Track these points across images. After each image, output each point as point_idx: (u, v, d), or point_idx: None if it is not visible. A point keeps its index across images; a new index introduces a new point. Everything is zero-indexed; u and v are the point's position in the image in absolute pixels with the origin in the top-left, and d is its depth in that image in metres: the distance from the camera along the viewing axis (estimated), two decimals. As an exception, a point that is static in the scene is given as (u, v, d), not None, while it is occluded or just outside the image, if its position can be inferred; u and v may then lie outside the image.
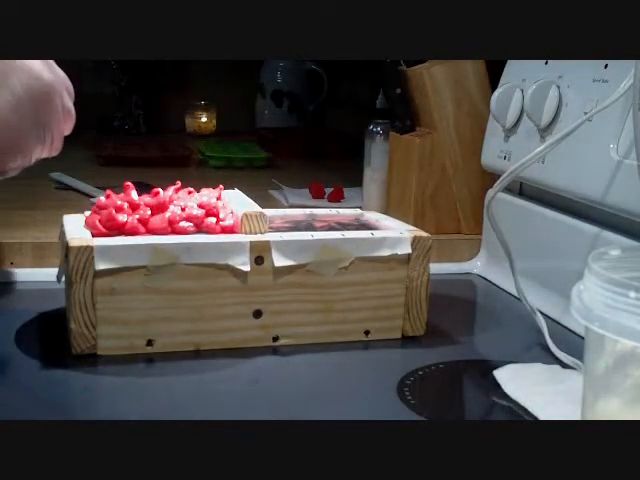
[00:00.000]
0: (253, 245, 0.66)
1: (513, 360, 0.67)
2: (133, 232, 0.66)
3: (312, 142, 1.62)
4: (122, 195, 0.69)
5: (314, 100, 1.87)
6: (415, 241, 0.70)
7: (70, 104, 0.60)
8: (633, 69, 0.66)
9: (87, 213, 0.69)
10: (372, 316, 0.71)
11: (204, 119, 1.85)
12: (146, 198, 0.69)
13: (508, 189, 0.80)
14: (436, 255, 0.88)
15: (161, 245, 0.64)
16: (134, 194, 0.69)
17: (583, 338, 0.48)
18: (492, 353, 0.71)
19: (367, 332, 0.71)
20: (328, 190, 1.17)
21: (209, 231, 0.67)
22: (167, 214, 0.67)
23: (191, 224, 0.67)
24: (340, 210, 0.81)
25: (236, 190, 0.75)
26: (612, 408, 0.44)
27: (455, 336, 0.74)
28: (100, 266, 0.63)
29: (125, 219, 0.66)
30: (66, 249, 0.63)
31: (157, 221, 0.67)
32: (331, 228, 0.74)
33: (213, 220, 0.68)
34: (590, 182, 0.73)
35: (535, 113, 0.80)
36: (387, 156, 1.03)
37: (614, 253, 0.47)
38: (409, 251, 0.70)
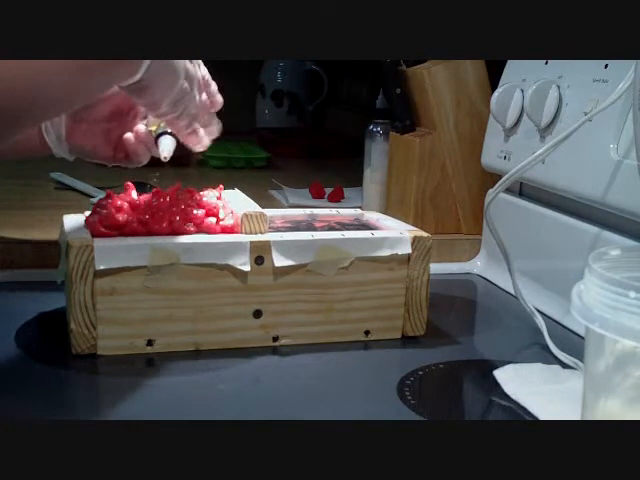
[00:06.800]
0: (253, 245, 0.66)
1: (513, 360, 0.67)
2: (133, 232, 0.66)
3: (312, 142, 1.62)
4: (122, 195, 0.69)
5: (314, 100, 1.87)
6: (415, 241, 0.70)
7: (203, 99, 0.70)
8: (633, 69, 0.66)
9: (87, 213, 0.69)
10: (372, 316, 0.70)
11: (204, 119, 1.85)
12: (146, 198, 0.69)
13: (508, 189, 0.80)
14: (436, 255, 0.88)
15: (161, 245, 0.64)
16: (134, 194, 0.69)
17: (583, 338, 0.48)
18: (492, 353, 0.71)
19: (367, 332, 0.71)
20: (328, 190, 1.17)
21: (209, 231, 0.67)
22: (167, 214, 0.67)
23: (191, 224, 0.67)
24: (340, 210, 0.81)
25: (236, 190, 0.75)
26: (612, 408, 0.44)
27: (455, 336, 0.74)
28: (100, 266, 0.63)
29: (125, 219, 0.66)
30: (66, 249, 0.63)
31: (157, 221, 0.66)
32: (331, 228, 0.74)
33: (213, 220, 0.68)
34: (590, 182, 0.73)
35: (535, 113, 0.80)
36: (387, 156, 1.03)
37: (614, 253, 0.47)
38: (409, 251, 0.70)
